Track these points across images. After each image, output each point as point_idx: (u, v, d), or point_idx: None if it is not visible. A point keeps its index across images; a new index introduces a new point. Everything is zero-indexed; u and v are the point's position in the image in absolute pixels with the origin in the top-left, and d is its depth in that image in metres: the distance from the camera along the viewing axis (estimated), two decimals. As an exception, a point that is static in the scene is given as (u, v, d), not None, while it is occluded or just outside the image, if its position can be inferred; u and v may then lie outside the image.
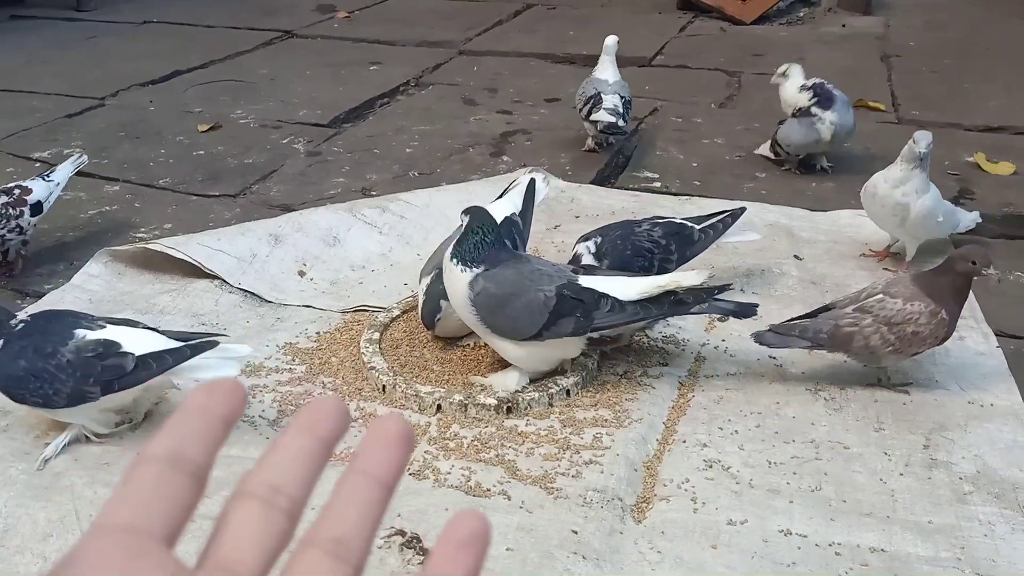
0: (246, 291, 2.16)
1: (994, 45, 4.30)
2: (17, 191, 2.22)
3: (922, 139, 2.11)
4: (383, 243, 2.41)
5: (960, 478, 1.52)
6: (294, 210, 2.62)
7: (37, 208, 2.24)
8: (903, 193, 2.10)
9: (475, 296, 1.70)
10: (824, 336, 1.74)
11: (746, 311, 1.87)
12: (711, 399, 1.77)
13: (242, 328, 2.02)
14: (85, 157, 2.48)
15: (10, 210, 2.18)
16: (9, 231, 2.18)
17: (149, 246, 2.20)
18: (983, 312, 2.03)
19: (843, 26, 4.70)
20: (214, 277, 2.19)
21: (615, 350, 1.93)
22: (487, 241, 1.73)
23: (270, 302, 2.14)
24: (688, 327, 2.00)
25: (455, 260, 1.73)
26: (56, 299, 2.08)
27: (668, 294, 1.71)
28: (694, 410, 1.74)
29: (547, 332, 1.68)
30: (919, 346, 1.71)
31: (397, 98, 3.81)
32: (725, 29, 4.77)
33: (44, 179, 2.30)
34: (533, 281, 1.69)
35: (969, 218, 2.29)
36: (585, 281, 1.71)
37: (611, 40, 3.07)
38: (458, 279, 1.72)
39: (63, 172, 2.36)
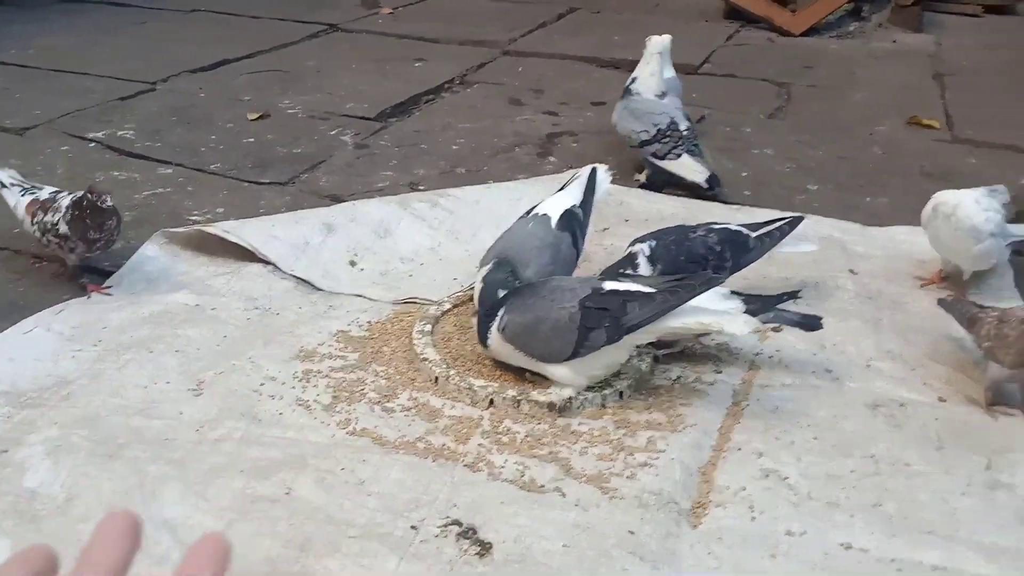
0: (299, 278, 2.17)
1: (1049, 68, 4.24)
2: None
3: (1001, 191, 2.09)
4: (433, 237, 2.41)
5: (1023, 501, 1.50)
6: (343, 200, 2.63)
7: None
8: (987, 219, 2.04)
9: (504, 331, 1.72)
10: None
11: (812, 323, 1.85)
12: (766, 408, 1.75)
13: (295, 314, 2.03)
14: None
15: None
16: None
17: (205, 229, 2.22)
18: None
19: (894, 42, 4.65)
20: (267, 262, 2.20)
21: (668, 356, 1.91)
22: (507, 283, 1.79)
23: (322, 290, 2.15)
24: (743, 336, 1.97)
25: (488, 326, 1.76)
26: (115, 280, 2.10)
27: (696, 275, 1.70)
28: (749, 419, 1.72)
29: (583, 349, 1.67)
30: None
31: (442, 95, 3.82)
32: (773, 40, 4.74)
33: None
34: (555, 301, 1.69)
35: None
36: (610, 286, 1.70)
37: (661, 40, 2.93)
38: (492, 334, 1.75)
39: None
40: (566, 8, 5.47)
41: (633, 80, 2.97)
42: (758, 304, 1.79)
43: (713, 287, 1.66)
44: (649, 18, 5.24)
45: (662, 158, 2.77)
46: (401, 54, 4.40)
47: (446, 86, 3.93)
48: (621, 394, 1.76)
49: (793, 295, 1.87)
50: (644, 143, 2.79)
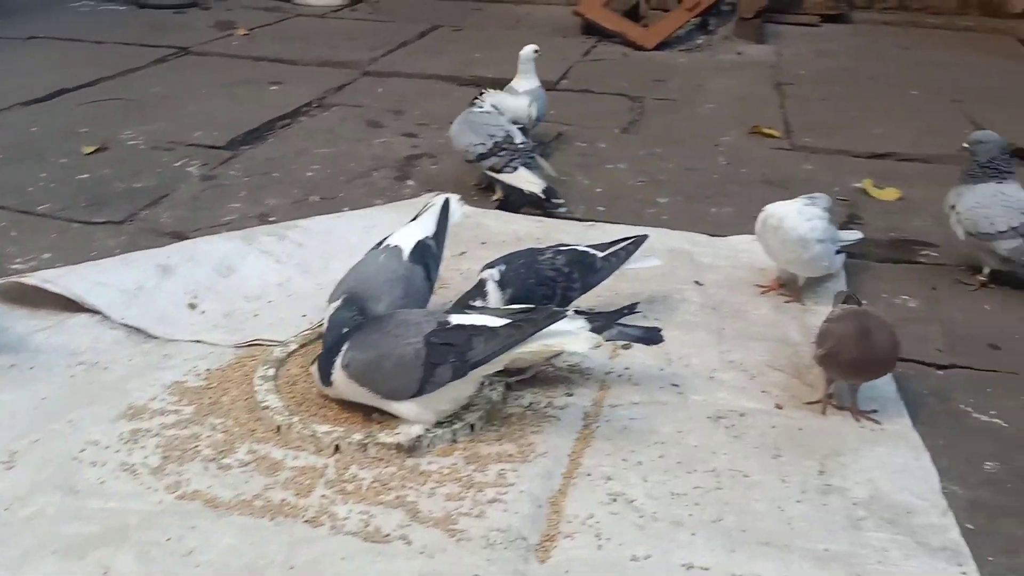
0: (131, 326, 2.04)
1: (878, 73, 4.52)
2: None
3: (821, 199, 2.19)
4: (281, 272, 2.33)
5: (854, 503, 1.56)
6: (186, 238, 2.50)
7: None
8: (811, 228, 2.13)
9: (348, 367, 1.67)
10: None
11: (652, 337, 1.89)
12: (615, 429, 1.76)
13: (125, 367, 1.90)
14: None
15: None
16: None
17: (22, 280, 2.06)
18: (873, 335, 2.09)
19: (739, 54, 4.86)
20: (96, 312, 2.06)
21: (520, 382, 1.90)
22: (352, 321, 1.75)
23: (157, 338, 2.03)
24: (593, 355, 1.99)
25: (331, 363, 1.71)
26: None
27: (540, 309, 1.70)
28: (599, 441, 1.73)
29: (429, 385, 1.64)
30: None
31: (299, 119, 3.72)
32: (627, 55, 4.86)
33: None
34: (399, 336, 1.66)
35: (853, 238, 2.39)
36: (456, 320, 1.68)
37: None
38: (336, 371, 1.70)
39: None
40: (428, 26, 5.45)
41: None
42: (601, 321, 1.80)
43: (557, 320, 1.66)
44: (510, 34, 5.28)
45: (499, 171, 2.80)
46: (256, 77, 4.27)
47: (303, 109, 3.83)
48: (472, 427, 1.73)
49: (631, 308, 1.90)
50: (481, 156, 2.81)
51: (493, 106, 2.95)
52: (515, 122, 2.97)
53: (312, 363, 1.77)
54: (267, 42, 4.98)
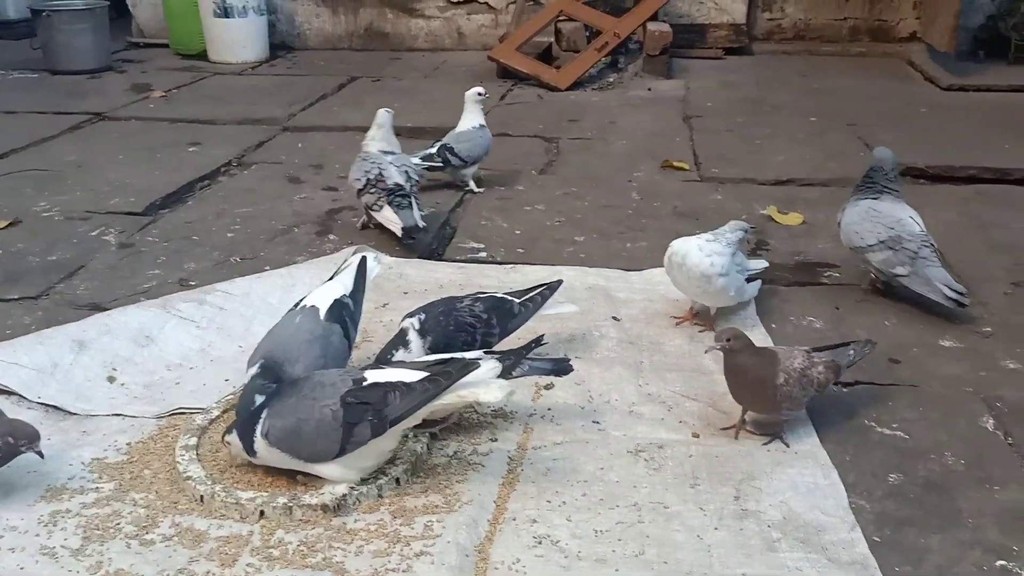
0: (48, 405, 2.01)
1: (779, 102, 4.74)
2: None
3: (738, 227, 2.30)
4: (202, 338, 2.32)
5: (768, 526, 1.62)
6: (104, 309, 2.47)
7: None
8: (712, 264, 2.22)
9: (268, 436, 1.68)
10: None
11: (562, 368, 1.96)
12: (539, 472, 1.80)
13: (43, 447, 1.86)
14: None
15: None
16: None
17: (-72, 366, 2.01)
18: (782, 358, 2.18)
19: (649, 90, 5.04)
20: (10, 393, 2.02)
21: (445, 430, 1.93)
22: (266, 388, 1.77)
23: (75, 414, 1.99)
24: (516, 399, 2.03)
25: (251, 433, 1.71)
26: None
27: (454, 360, 1.74)
28: (523, 484, 1.76)
29: (349, 445, 1.66)
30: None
31: (218, 180, 3.71)
32: (542, 96, 4.99)
33: None
34: (316, 399, 1.68)
35: (760, 267, 2.50)
36: (371, 378, 1.71)
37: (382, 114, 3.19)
38: (257, 440, 1.70)
39: None
40: (346, 78, 5.51)
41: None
42: (511, 359, 1.85)
43: (472, 372, 1.70)
44: (427, 83, 5.38)
45: (370, 207, 2.99)
46: (174, 139, 4.25)
47: (222, 170, 3.83)
48: (398, 480, 1.75)
49: (538, 342, 1.96)
50: (359, 192, 3.00)
51: (380, 150, 3.12)
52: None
53: (224, 434, 1.77)
54: (184, 103, 4.97)
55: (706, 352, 2.15)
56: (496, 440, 1.91)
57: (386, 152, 3.11)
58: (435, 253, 2.95)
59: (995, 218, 3.12)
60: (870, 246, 2.45)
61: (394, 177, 2.99)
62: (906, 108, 4.60)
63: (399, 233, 2.90)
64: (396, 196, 2.95)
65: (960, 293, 2.35)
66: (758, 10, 6.18)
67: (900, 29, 6.10)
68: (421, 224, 2.94)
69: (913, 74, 5.41)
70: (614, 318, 2.42)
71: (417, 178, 3.10)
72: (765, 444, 1.86)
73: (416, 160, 3.38)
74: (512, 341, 2.12)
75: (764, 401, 1.86)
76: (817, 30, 6.18)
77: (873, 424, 1.94)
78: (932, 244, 2.43)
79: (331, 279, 2.11)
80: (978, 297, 2.53)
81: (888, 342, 2.29)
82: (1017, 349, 2.25)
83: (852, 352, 1.94)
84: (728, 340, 1.84)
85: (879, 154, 2.56)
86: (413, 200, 2.98)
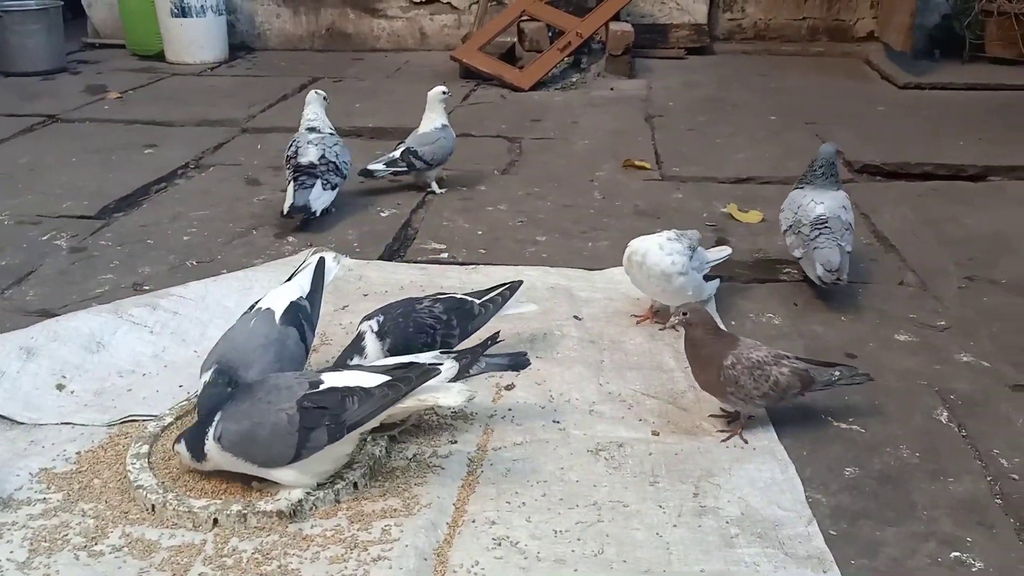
0: (-7, 415, 1.95)
1: (740, 101, 4.78)
2: None
3: (692, 236, 2.32)
4: (155, 343, 2.27)
5: (727, 522, 1.62)
6: (54, 315, 2.41)
7: None
8: (672, 263, 2.23)
9: (221, 440, 1.65)
10: None
11: (519, 362, 1.96)
12: (499, 473, 1.79)
13: (-14, 459, 1.81)
14: None
15: None
16: None
17: None
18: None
19: (611, 89, 5.05)
20: (-47, 404, 1.96)
21: (404, 432, 1.91)
22: (222, 393, 1.74)
23: (23, 424, 1.94)
24: (477, 400, 2.01)
25: (203, 436, 1.68)
26: None
27: (414, 365, 1.72)
28: (483, 486, 1.75)
29: (305, 450, 1.63)
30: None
31: (175, 182, 3.65)
32: (505, 96, 4.98)
33: None
34: (272, 402, 1.65)
35: (722, 255, 2.52)
36: (328, 381, 1.68)
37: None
38: (209, 444, 1.67)
39: None
40: (307, 79, 5.46)
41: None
42: (468, 358, 1.84)
43: (431, 378, 1.68)
44: (390, 83, 5.35)
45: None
46: (129, 141, 4.17)
47: (179, 172, 3.76)
48: (356, 485, 1.72)
49: (494, 339, 1.95)
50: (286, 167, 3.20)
51: (307, 127, 3.27)
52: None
53: (175, 443, 1.73)
54: (141, 104, 4.88)
55: (664, 328, 2.20)
56: (456, 442, 1.89)
57: (311, 130, 3.22)
58: (396, 254, 2.92)
59: (949, 214, 3.17)
60: (783, 232, 2.61)
61: (308, 155, 3.11)
62: (863, 106, 4.67)
63: (284, 210, 3.03)
64: (302, 174, 3.07)
65: (836, 274, 2.40)
66: (719, 10, 6.23)
67: (858, 29, 6.19)
68: (316, 207, 3.04)
69: (870, 73, 5.49)
70: (576, 317, 2.42)
71: (336, 159, 3.15)
72: (724, 441, 1.86)
73: (380, 166, 3.36)
74: (472, 342, 2.11)
75: (710, 380, 1.87)
76: (777, 30, 6.24)
77: (830, 418, 1.95)
78: (828, 226, 2.48)
79: (288, 280, 2.08)
80: (932, 292, 2.57)
81: (844, 337, 2.31)
82: (970, 342, 2.28)
83: (837, 374, 1.90)
84: (685, 314, 1.87)
85: (820, 149, 2.66)
86: (320, 181, 3.07)
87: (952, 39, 5.70)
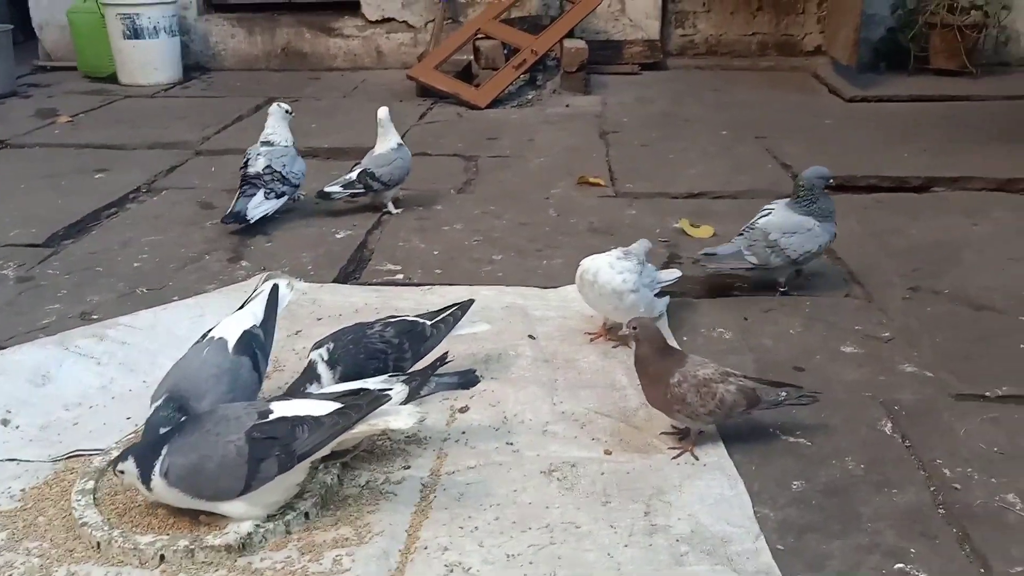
0: (-66, 453, 1.90)
1: (692, 116, 4.85)
2: None
3: (642, 246, 2.34)
4: (102, 375, 2.24)
5: (677, 540, 1.64)
6: (1, 348, 2.36)
7: None
8: (623, 280, 2.26)
9: (167, 475, 1.62)
10: None
11: (469, 380, 1.96)
12: (452, 497, 1.78)
13: (-75, 500, 1.77)
14: None
15: None
16: None
17: None
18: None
19: (567, 106, 5.09)
20: None
21: (356, 459, 1.90)
22: (170, 420, 1.74)
23: (-36, 462, 1.90)
24: (429, 423, 2.02)
25: (149, 470, 1.64)
26: None
27: (364, 392, 1.72)
28: (436, 511, 1.74)
29: (255, 482, 1.62)
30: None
31: (127, 207, 3.60)
32: (462, 114, 5.00)
33: None
34: (220, 435, 1.63)
35: (672, 277, 2.54)
36: (278, 410, 1.67)
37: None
38: (155, 478, 1.64)
39: None
40: (263, 99, 5.41)
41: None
42: (418, 380, 1.84)
43: (381, 405, 1.68)
44: (346, 102, 5.34)
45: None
46: (80, 166, 4.11)
47: (131, 196, 3.72)
48: (307, 515, 1.71)
49: (443, 360, 1.96)
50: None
51: (262, 140, 3.42)
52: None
53: (115, 464, 1.68)
54: (92, 128, 4.82)
55: (615, 338, 2.22)
56: (409, 467, 1.89)
57: (265, 143, 3.37)
58: (352, 276, 2.91)
59: (894, 225, 3.25)
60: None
61: (255, 166, 3.28)
62: (812, 120, 4.76)
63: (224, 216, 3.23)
64: (247, 184, 3.25)
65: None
66: (671, 27, 6.32)
67: (806, 43, 6.32)
68: (252, 214, 3.19)
69: (819, 87, 5.61)
70: (530, 336, 2.43)
71: (282, 170, 3.28)
72: (674, 458, 1.88)
73: (337, 188, 3.35)
74: (426, 363, 2.11)
75: (658, 397, 1.90)
76: (728, 45, 6.35)
77: (778, 432, 1.98)
78: (751, 231, 2.62)
79: (241, 308, 2.07)
80: (878, 303, 2.63)
81: (793, 350, 2.35)
82: (914, 353, 2.33)
83: (783, 394, 1.92)
84: (634, 328, 1.90)
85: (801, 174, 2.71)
86: (263, 191, 3.23)
87: (897, 52, 5.85)
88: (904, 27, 5.80)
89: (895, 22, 5.90)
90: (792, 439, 1.96)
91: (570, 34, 5.53)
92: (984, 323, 2.50)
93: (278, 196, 3.27)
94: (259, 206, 3.23)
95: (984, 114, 4.83)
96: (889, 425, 2.01)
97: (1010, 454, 1.90)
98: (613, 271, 2.24)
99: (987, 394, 2.13)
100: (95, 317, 2.59)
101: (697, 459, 1.88)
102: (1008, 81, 5.58)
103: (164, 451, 1.65)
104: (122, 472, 1.68)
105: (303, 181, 3.41)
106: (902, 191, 3.65)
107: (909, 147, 4.15)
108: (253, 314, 2.03)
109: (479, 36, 5.57)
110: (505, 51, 5.49)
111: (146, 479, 1.65)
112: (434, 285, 2.79)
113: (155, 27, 5.79)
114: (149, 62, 5.85)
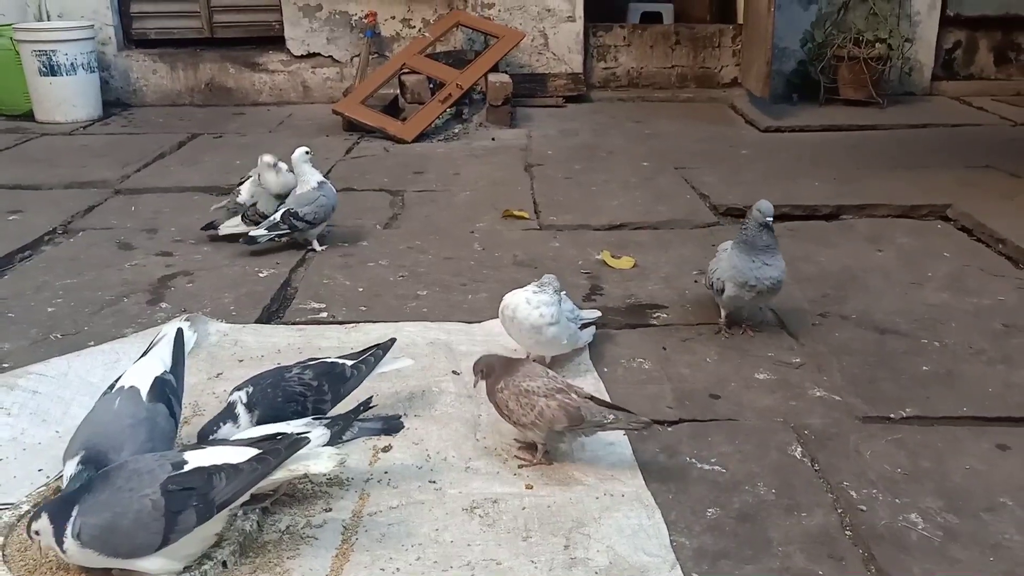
0: None
1: (615, 148, 4.97)
2: None
3: (550, 281, 2.36)
4: (12, 426, 2.17)
5: (596, 573, 1.67)
6: (-100, 403, 2.27)
7: None
8: (540, 315, 2.30)
9: (80, 536, 1.58)
10: None
11: (393, 426, 1.98)
12: (374, 539, 1.78)
13: None
14: None
15: None
16: None
17: None
18: (611, 397, 2.27)
19: (493, 140, 5.17)
20: None
21: (277, 503, 1.88)
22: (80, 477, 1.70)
23: None
24: (352, 464, 2.01)
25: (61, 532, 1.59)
26: None
27: (283, 436, 1.71)
28: (357, 554, 1.74)
29: (173, 535, 1.59)
30: None
31: (41, 250, 3.51)
32: (388, 149, 5.02)
33: None
34: (133, 489, 1.60)
35: (592, 316, 2.58)
36: (193, 460, 1.65)
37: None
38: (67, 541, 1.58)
39: None
40: (186, 135, 5.36)
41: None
42: (340, 424, 1.84)
43: (300, 448, 1.67)
44: (271, 138, 5.30)
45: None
46: (-9, 208, 3.98)
47: (45, 239, 3.62)
48: (225, 564, 1.69)
49: (367, 404, 1.97)
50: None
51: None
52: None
53: (29, 524, 1.63)
54: (5, 167, 4.68)
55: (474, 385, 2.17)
56: (331, 509, 1.88)
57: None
58: (275, 316, 2.89)
59: (804, 252, 3.38)
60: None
61: (242, 195, 3.63)
62: (728, 150, 4.93)
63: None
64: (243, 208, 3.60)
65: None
66: (594, 59, 6.49)
67: (723, 75, 6.56)
68: (223, 231, 3.54)
69: (735, 117, 5.82)
70: (454, 372, 2.44)
71: (251, 200, 3.57)
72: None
73: (262, 231, 3.34)
74: (349, 403, 2.11)
75: (493, 404, 2.02)
76: (648, 77, 6.55)
77: (694, 460, 2.04)
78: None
79: (145, 354, 2.03)
80: (789, 329, 2.73)
81: (709, 379, 2.42)
82: (823, 377, 2.43)
83: (612, 417, 1.93)
84: (481, 371, 2.03)
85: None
86: (243, 215, 3.54)
87: (809, 83, 6.12)
88: (814, 60, 6.07)
89: (805, 55, 6.17)
90: (707, 466, 2.02)
91: (495, 68, 5.62)
92: (889, 346, 2.62)
93: (252, 222, 3.51)
94: (230, 222, 3.57)
95: (890, 142, 5.08)
96: (799, 449, 2.09)
97: (913, 475, 1.99)
98: (530, 306, 2.28)
99: (892, 416, 2.23)
100: (6, 366, 2.51)
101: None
102: (913, 110, 5.89)
103: (75, 512, 1.60)
104: (37, 533, 1.62)
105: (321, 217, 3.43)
106: (813, 219, 3.80)
107: (820, 175, 4.34)
108: (161, 359, 2.00)
109: (404, 71, 5.62)
110: (431, 85, 5.55)
111: (59, 541, 1.60)
112: (358, 323, 2.78)
113: (72, 63, 5.67)
114: (67, 99, 5.72)
